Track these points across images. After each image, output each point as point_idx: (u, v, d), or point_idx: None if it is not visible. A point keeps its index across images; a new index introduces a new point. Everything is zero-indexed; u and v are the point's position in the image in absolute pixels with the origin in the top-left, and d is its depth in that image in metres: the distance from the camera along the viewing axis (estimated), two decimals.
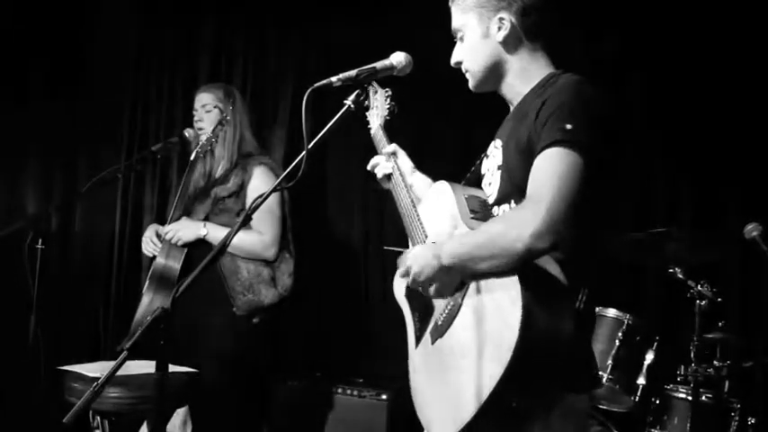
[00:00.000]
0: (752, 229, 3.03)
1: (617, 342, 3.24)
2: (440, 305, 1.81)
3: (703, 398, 3.16)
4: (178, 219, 3.16)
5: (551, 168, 1.63)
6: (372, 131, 2.25)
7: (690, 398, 3.13)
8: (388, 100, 2.21)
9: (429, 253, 1.76)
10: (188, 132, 3.30)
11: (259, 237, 3.14)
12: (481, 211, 1.83)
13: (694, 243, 3.21)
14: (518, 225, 1.60)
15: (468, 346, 1.64)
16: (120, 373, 1.49)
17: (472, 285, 1.70)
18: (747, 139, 3.82)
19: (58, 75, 4.25)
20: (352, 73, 1.88)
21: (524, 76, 1.88)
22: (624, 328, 3.27)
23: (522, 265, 1.61)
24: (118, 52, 4.34)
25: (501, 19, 1.85)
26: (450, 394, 1.68)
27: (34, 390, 3.38)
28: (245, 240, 3.10)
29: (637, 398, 3.24)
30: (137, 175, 4.27)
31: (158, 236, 3.18)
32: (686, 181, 3.96)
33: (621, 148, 1.94)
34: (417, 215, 1.96)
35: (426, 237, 1.90)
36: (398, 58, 1.98)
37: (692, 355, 3.14)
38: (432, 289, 1.78)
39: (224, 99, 3.27)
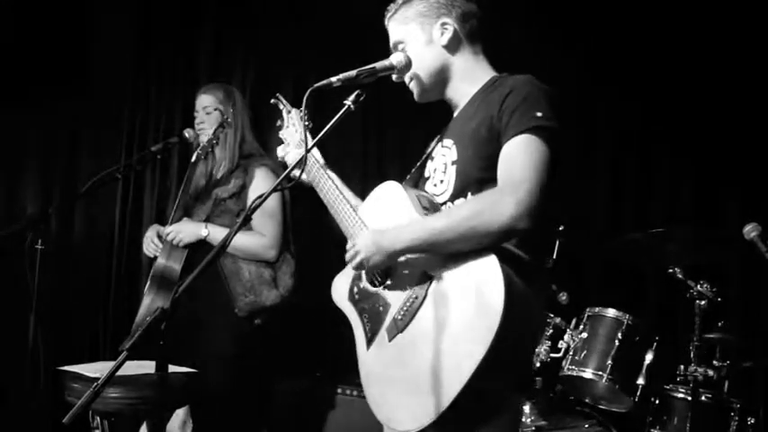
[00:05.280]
0: (751, 230, 3.03)
1: (617, 342, 3.24)
2: (397, 301, 1.80)
3: (703, 398, 3.16)
4: (179, 220, 3.15)
5: (527, 154, 1.69)
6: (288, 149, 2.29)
7: (690, 398, 3.13)
8: (305, 119, 2.23)
9: (378, 239, 1.79)
10: (188, 133, 3.29)
11: (260, 238, 3.13)
12: (431, 209, 1.86)
13: (694, 243, 3.21)
14: (497, 206, 1.65)
15: (436, 333, 1.65)
16: (120, 373, 1.49)
17: (436, 275, 1.71)
18: (748, 140, 3.83)
19: (57, 75, 4.25)
20: (352, 73, 1.88)
21: (470, 77, 1.95)
22: (624, 328, 3.26)
23: (496, 247, 1.65)
24: (118, 52, 4.33)
25: (443, 24, 1.94)
26: (421, 384, 1.66)
27: (34, 390, 3.38)
28: (246, 242, 3.10)
29: (636, 398, 3.24)
30: (137, 175, 4.26)
31: (159, 236, 3.18)
32: (686, 181, 3.96)
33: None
34: (354, 212, 1.99)
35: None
36: (398, 58, 1.98)
37: (691, 355, 3.15)
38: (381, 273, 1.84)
39: (225, 100, 3.27)
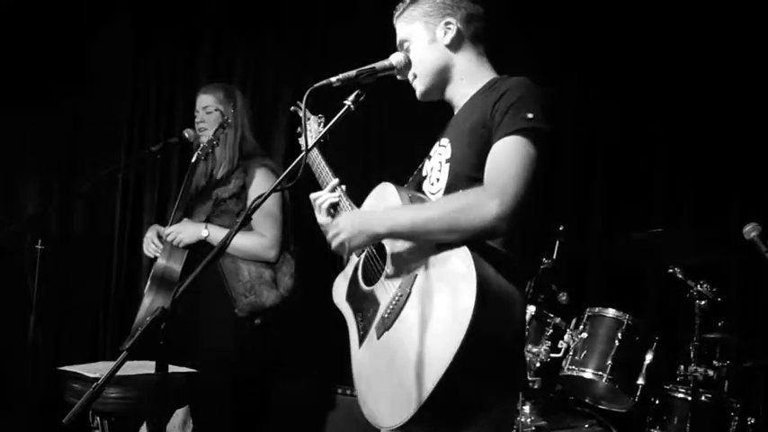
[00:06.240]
0: (751, 230, 3.03)
1: (616, 342, 3.24)
2: (386, 300, 1.82)
3: (703, 398, 3.16)
4: (179, 220, 3.15)
5: (515, 155, 1.71)
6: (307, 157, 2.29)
7: (690, 398, 3.13)
8: (321, 126, 2.23)
9: (360, 220, 1.82)
10: (188, 133, 3.29)
11: (260, 238, 3.13)
12: None
13: (694, 243, 3.21)
14: (481, 206, 1.67)
15: (418, 330, 1.66)
16: (120, 373, 1.49)
17: (421, 273, 1.72)
18: (747, 140, 3.83)
19: (57, 74, 4.26)
20: (352, 73, 1.88)
21: (471, 78, 1.97)
22: (624, 328, 3.26)
23: (479, 244, 1.67)
24: (118, 52, 4.34)
25: (447, 23, 1.96)
26: (402, 380, 1.67)
27: (34, 390, 3.38)
28: (246, 242, 3.10)
29: (636, 398, 3.24)
30: (137, 175, 4.27)
31: (159, 237, 3.18)
32: (686, 181, 3.96)
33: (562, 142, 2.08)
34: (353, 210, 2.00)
35: None
36: (398, 59, 1.98)
37: (691, 355, 3.15)
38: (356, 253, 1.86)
39: (225, 100, 3.26)
